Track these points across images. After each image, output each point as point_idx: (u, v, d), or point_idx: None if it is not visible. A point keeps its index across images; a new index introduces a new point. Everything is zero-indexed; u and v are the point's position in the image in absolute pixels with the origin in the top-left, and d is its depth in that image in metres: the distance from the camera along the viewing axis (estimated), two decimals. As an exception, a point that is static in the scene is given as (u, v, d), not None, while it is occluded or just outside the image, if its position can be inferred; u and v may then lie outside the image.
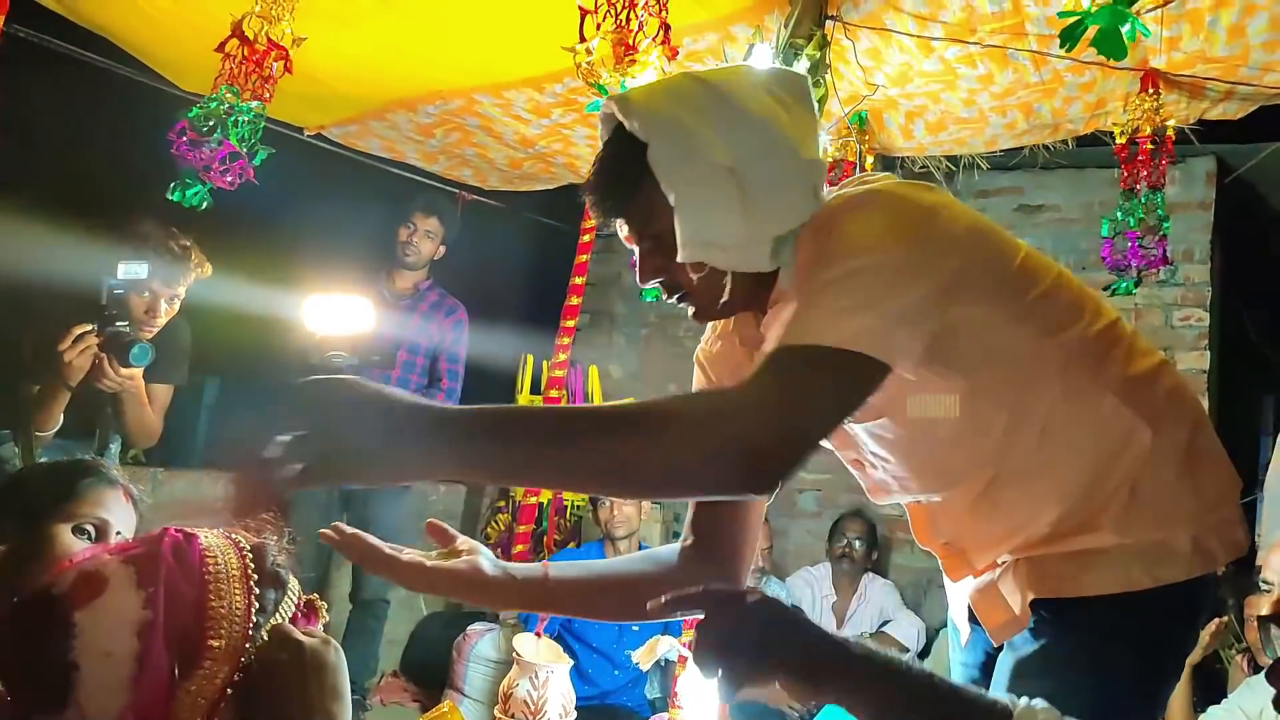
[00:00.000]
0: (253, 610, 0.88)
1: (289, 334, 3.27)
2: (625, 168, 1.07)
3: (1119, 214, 2.40)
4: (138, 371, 2.25)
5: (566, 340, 3.80)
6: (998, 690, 1.12)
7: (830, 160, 2.80)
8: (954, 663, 1.35)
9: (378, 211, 3.54)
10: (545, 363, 4.13)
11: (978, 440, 1.11)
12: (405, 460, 0.86)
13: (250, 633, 0.87)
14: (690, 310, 1.13)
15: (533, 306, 4.51)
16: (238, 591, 0.87)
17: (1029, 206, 4.21)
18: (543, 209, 4.43)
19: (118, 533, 1.38)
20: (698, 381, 1.29)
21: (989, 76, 2.57)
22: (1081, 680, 1.06)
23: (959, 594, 1.28)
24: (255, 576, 0.89)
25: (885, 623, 3.68)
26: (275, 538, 0.95)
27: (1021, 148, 3.15)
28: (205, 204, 2.07)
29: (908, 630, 3.62)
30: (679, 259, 1.06)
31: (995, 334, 1.07)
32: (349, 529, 1.09)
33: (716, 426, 0.91)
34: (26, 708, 0.76)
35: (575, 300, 3.77)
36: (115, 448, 2.96)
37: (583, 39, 1.77)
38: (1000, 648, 1.18)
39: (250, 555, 0.90)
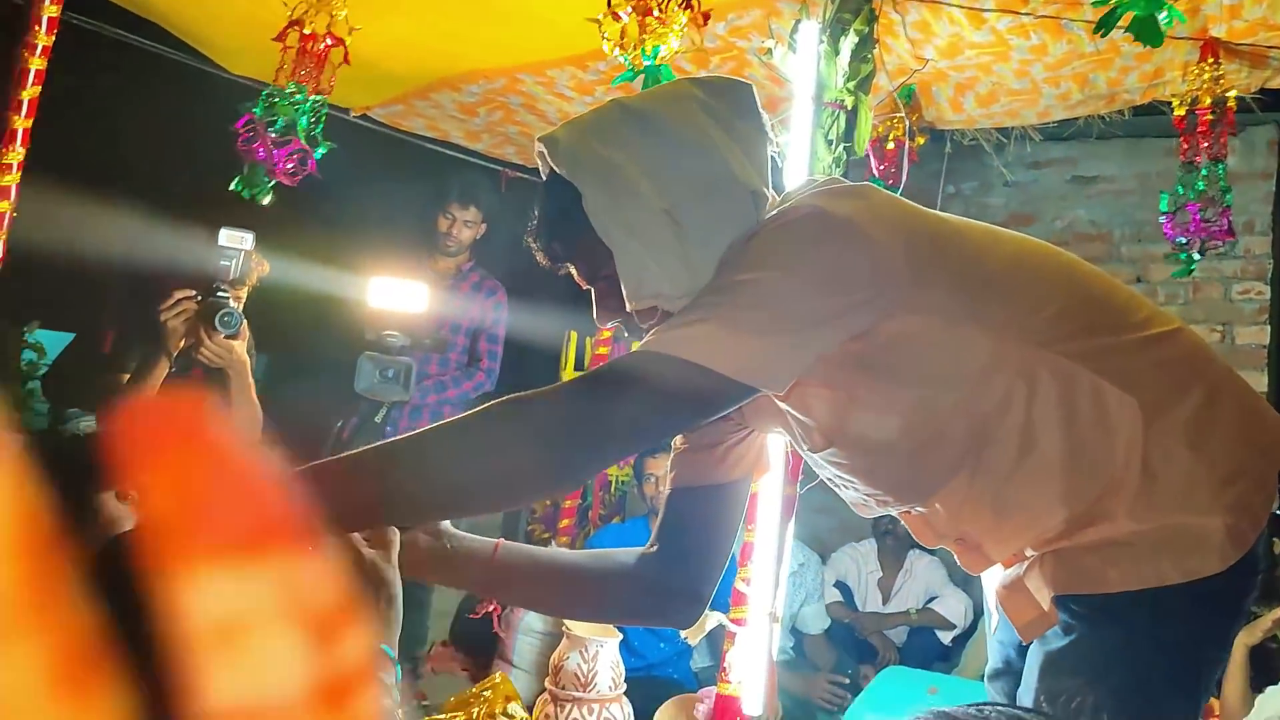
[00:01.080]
0: None
1: (340, 312, 3.34)
2: (565, 214, 1.04)
3: (1179, 188, 2.34)
4: (239, 345, 2.24)
5: (611, 317, 3.82)
6: (1028, 685, 1.09)
7: (874, 136, 2.76)
8: (990, 640, 1.33)
9: (422, 190, 3.57)
10: (589, 340, 4.15)
11: (940, 450, 1.06)
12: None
13: None
14: None
15: (576, 282, 4.52)
16: None
17: (1083, 178, 4.12)
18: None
19: None
20: None
21: (1042, 47, 2.51)
22: (1115, 677, 1.02)
23: (991, 580, 1.24)
24: None
25: (932, 599, 3.67)
26: None
27: (1076, 118, 3.08)
28: (269, 198, 2.09)
29: (955, 607, 3.61)
30: (628, 309, 1.05)
31: (936, 342, 1.03)
32: None
33: (531, 412, 0.91)
34: None
35: (619, 277, 3.79)
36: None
37: (610, 8, 1.77)
38: None
39: None
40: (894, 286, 1.00)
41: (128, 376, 2.27)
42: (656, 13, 1.77)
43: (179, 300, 2.17)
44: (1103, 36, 1.50)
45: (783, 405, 1.13)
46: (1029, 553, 1.11)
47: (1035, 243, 1.15)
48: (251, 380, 2.40)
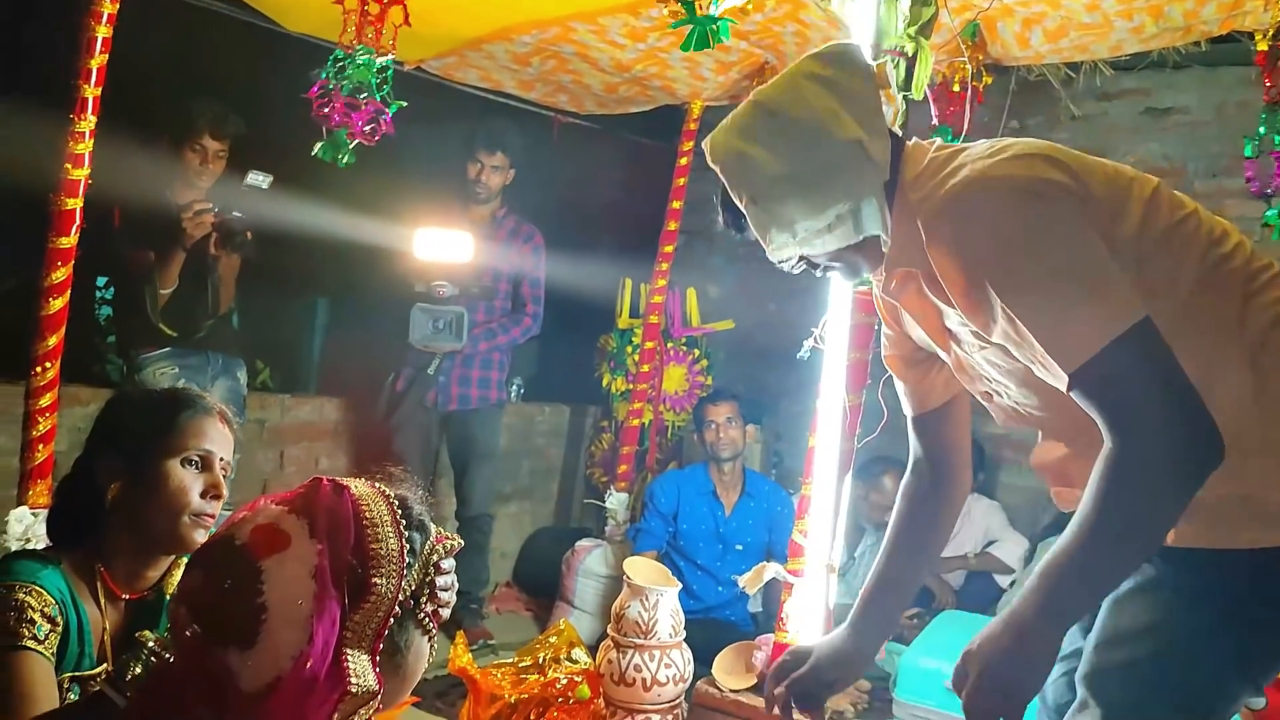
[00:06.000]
0: (404, 552, 0.96)
1: (392, 261, 3.40)
2: (724, 193, 1.30)
3: (1261, 129, 2.22)
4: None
5: (665, 265, 3.82)
6: (1099, 622, 1.18)
7: (939, 79, 2.68)
8: None
9: (458, 139, 3.57)
10: (644, 286, 4.16)
11: None
12: (1050, 644, 1.05)
13: (404, 573, 0.95)
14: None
15: (630, 228, 4.52)
16: (391, 535, 0.95)
17: (1156, 110, 3.94)
18: (638, 129, 4.39)
19: (221, 459, 1.43)
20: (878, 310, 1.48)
21: (1115, -21, 2.39)
22: (1175, 623, 1.11)
23: None
24: (404, 522, 0.97)
25: (990, 543, 3.66)
26: (416, 488, 1.03)
27: (1149, 51, 2.94)
28: (351, 160, 2.12)
29: (1013, 552, 3.60)
30: (769, 256, 1.29)
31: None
32: None
33: (1156, 454, 1.03)
34: (219, 644, 0.85)
35: (673, 225, 3.77)
36: (243, 376, 3.17)
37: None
38: None
39: (397, 503, 0.98)
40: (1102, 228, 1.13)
41: (153, 255, 2.83)
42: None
43: (199, 211, 2.79)
44: None
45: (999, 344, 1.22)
46: None
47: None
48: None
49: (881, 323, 1.48)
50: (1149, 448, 1.02)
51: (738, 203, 1.27)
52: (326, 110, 2.04)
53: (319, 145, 2.10)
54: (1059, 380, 1.09)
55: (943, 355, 1.36)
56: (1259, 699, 2.59)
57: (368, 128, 2.05)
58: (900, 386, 1.48)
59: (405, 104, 2.14)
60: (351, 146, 2.09)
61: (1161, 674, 1.10)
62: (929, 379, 1.44)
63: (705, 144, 1.31)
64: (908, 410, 1.48)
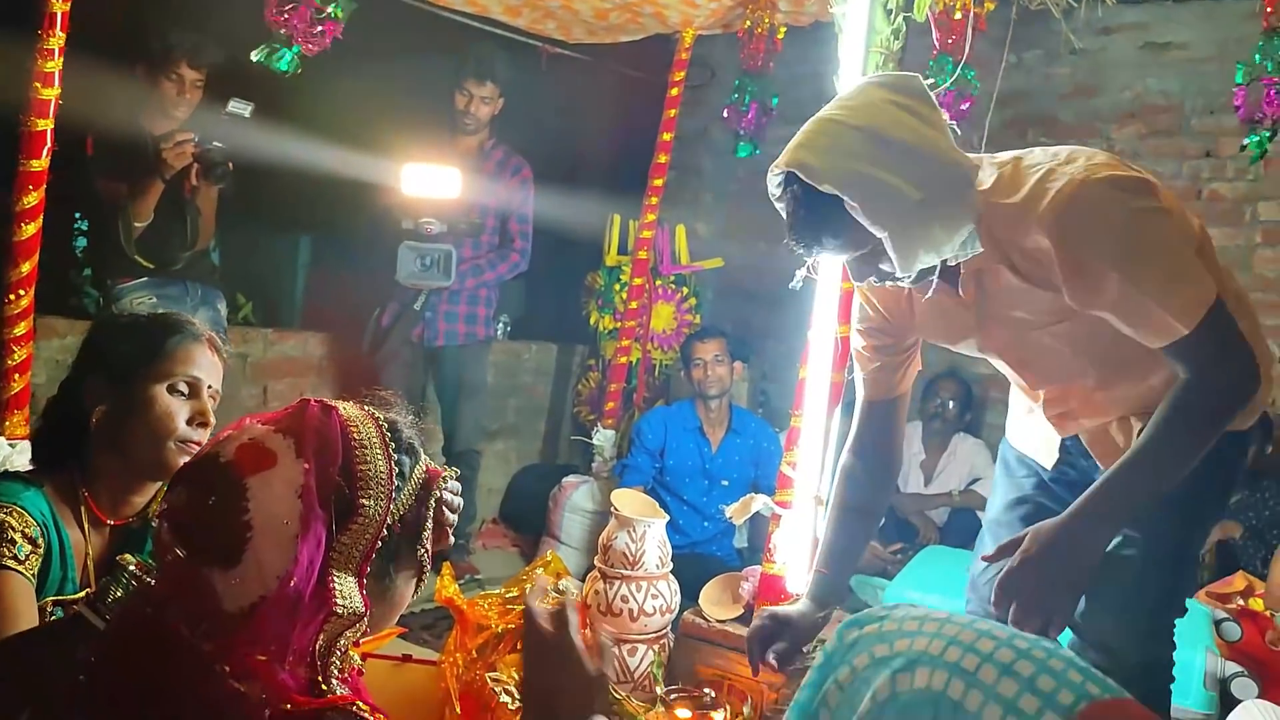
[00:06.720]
0: (393, 475, 0.93)
1: (377, 196, 3.32)
2: (831, 218, 1.33)
3: (1256, 57, 2.17)
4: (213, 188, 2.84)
5: (654, 200, 3.75)
6: None
7: (941, 6, 2.59)
8: (1001, 485, 1.73)
9: (443, 67, 3.46)
10: (632, 223, 4.10)
11: (1086, 363, 1.47)
12: (1103, 542, 1.31)
13: (392, 495, 0.93)
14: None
15: (618, 163, 4.43)
16: (380, 457, 0.93)
17: (1156, 44, 3.87)
18: (627, 61, 4.28)
19: (209, 386, 1.40)
20: (862, 302, 1.63)
21: (1123, -99, 2.31)
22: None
23: (1033, 432, 1.65)
24: (393, 444, 0.95)
25: (975, 480, 3.70)
26: (406, 413, 1.01)
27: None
28: (296, 69, 2.03)
29: (996, 489, 3.64)
30: (900, 273, 1.36)
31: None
32: None
33: (1224, 387, 1.33)
34: (202, 563, 0.83)
35: (663, 158, 3.69)
36: (224, 308, 3.13)
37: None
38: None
39: (386, 426, 0.95)
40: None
41: (126, 186, 2.74)
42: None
43: (180, 142, 2.67)
44: None
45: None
46: (1113, 418, 1.52)
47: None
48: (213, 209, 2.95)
49: (864, 317, 1.63)
50: (1220, 383, 1.33)
51: (869, 226, 1.31)
52: (278, 17, 1.95)
53: (259, 50, 2.02)
54: (1152, 339, 1.32)
55: (965, 341, 1.55)
56: (1234, 627, 2.62)
57: (313, 33, 1.96)
58: (865, 372, 1.66)
59: (356, 5, 2.04)
60: (293, 53, 2.00)
61: (1173, 500, 1.38)
62: (899, 370, 1.64)
63: (794, 169, 1.32)
64: (867, 394, 1.67)
